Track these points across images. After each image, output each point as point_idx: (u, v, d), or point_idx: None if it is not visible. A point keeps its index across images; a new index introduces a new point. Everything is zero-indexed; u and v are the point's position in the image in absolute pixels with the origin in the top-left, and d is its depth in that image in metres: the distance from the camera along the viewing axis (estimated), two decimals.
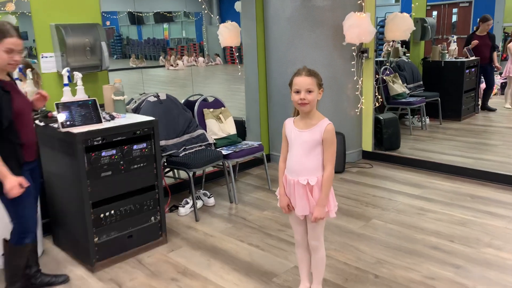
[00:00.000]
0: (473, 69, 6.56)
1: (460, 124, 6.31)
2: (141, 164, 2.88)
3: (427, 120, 6.21)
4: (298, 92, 2.06)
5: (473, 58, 6.62)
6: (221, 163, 3.70)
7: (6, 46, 2.13)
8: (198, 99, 4.02)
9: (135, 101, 3.63)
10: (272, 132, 4.85)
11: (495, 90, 8.24)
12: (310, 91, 2.05)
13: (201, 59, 18.92)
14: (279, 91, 4.57)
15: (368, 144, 4.79)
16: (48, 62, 3.15)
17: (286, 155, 2.19)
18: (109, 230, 2.80)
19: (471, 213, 3.35)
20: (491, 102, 7.43)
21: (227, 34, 4.73)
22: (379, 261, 2.72)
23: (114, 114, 2.96)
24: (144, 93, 3.77)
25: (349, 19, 4.10)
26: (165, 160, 3.51)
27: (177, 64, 18.22)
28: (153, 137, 2.91)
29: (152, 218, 3.00)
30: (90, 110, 2.73)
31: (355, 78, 4.40)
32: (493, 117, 6.85)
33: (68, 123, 2.62)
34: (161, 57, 19.07)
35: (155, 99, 3.63)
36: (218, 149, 3.79)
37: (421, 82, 6.52)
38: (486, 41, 6.76)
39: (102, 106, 3.15)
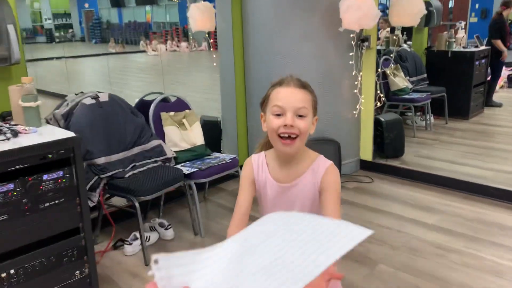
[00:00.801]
0: (483, 60, 5.77)
1: (468, 124, 5.54)
2: (56, 201, 2.02)
3: (432, 118, 5.42)
4: (280, 115, 1.20)
5: (484, 47, 5.82)
6: (182, 184, 2.85)
7: None
8: (155, 99, 3.16)
9: (67, 104, 2.76)
10: (252, 135, 4.01)
11: (501, 83, 7.51)
12: (301, 115, 1.19)
13: (183, 44, 17.82)
14: (259, 86, 3.71)
15: (367, 152, 3.98)
16: None
17: (242, 219, 1.29)
18: None
19: (505, 255, 2.57)
20: (498, 96, 6.68)
21: (199, 16, 3.84)
22: None
23: (20, 128, 2.09)
24: (81, 92, 2.89)
25: None
26: (105, 183, 2.65)
27: (159, 49, 17.15)
28: (73, 161, 2.05)
29: (77, 272, 2.16)
30: None
31: (353, 73, 3.56)
32: (503, 115, 6.09)
33: None
34: (141, 42, 17.97)
35: (93, 101, 2.75)
36: (179, 166, 2.95)
37: (425, 75, 5.71)
38: (508, 27, 6.00)
39: (10, 114, 2.29)
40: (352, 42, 3.49)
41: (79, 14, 18.55)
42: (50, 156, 1.97)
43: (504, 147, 4.59)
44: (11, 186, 1.88)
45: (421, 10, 3.60)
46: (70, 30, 14.50)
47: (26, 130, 2.08)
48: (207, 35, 4.04)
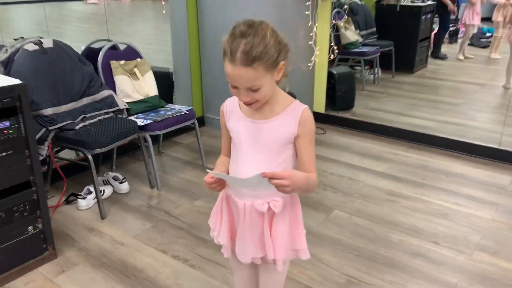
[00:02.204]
0: (429, 15, 5.92)
1: (413, 78, 5.74)
2: (4, 154, 1.88)
3: (379, 72, 5.56)
4: (235, 87, 1.14)
5: (430, 2, 5.96)
6: (137, 136, 2.75)
7: None
8: (103, 46, 2.97)
9: (7, 49, 2.53)
10: (206, 87, 3.92)
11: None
12: (254, 90, 1.13)
13: None
14: (213, 33, 3.60)
15: (320, 104, 4.04)
16: None
17: (229, 153, 1.33)
18: None
19: (450, 199, 2.75)
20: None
21: None
22: (350, 281, 2.03)
23: None
24: (21, 37, 2.65)
25: None
26: (54, 135, 2.50)
27: None
28: (20, 110, 1.90)
29: (30, 228, 2.06)
30: None
31: (309, 24, 3.52)
32: (446, 69, 6.37)
33: None
34: None
35: (36, 47, 2.54)
36: (132, 117, 2.83)
37: (375, 29, 5.78)
38: None
39: None
40: None
41: None
42: None
43: (447, 100, 4.82)
44: None
45: None
46: None
47: None
48: None
